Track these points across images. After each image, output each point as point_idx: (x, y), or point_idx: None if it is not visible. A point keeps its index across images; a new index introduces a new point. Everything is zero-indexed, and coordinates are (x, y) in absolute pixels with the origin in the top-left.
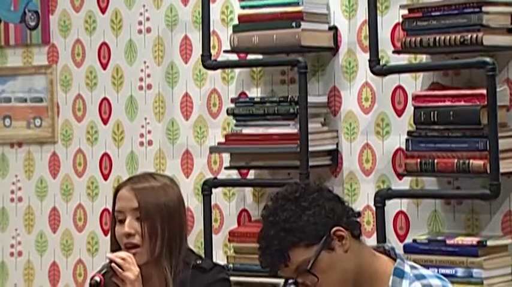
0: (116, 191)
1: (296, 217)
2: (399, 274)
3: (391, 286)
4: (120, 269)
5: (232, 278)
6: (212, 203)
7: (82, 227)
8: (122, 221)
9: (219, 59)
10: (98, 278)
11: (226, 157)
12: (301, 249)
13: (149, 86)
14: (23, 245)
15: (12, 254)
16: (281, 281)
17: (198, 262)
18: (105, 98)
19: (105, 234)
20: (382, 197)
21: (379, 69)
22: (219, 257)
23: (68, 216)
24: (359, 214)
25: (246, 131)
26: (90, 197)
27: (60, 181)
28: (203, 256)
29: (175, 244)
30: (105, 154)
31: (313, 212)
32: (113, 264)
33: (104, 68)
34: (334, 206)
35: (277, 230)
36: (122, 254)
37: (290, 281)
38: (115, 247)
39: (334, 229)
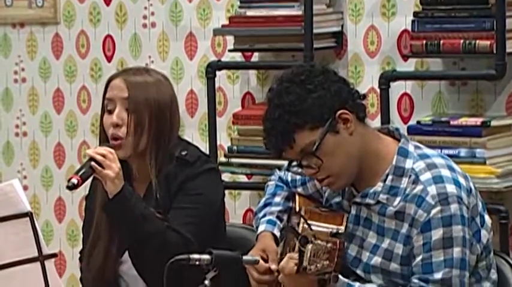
0: (109, 81)
1: (301, 99)
2: (403, 153)
3: (395, 164)
4: (99, 168)
5: (236, 160)
6: (216, 85)
7: (86, 109)
8: (111, 111)
9: None
10: (75, 180)
11: (230, 39)
12: (306, 132)
13: None
14: (28, 126)
15: (17, 134)
16: (285, 163)
17: (182, 153)
18: None
19: None
20: (386, 79)
21: None
22: (223, 139)
23: (71, 97)
24: (364, 96)
25: (250, 13)
26: (93, 79)
27: (64, 62)
28: (206, 138)
29: (162, 141)
30: (108, 36)
31: (318, 95)
32: (92, 163)
33: None
34: (339, 89)
35: (282, 113)
36: (103, 150)
37: (294, 163)
38: (103, 136)
39: (340, 111)
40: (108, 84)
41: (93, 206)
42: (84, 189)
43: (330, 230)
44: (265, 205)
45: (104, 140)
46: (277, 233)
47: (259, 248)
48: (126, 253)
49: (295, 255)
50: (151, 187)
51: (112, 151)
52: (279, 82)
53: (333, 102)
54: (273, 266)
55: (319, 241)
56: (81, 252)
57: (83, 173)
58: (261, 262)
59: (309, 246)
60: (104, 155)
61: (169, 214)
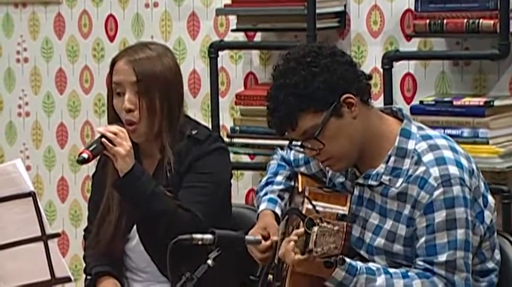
0: (113, 63)
1: (306, 82)
2: (406, 134)
3: (397, 146)
4: (110, 145)
5: (238, 141)
6: (219, 66)
7: (89, 89)
8: (121, 94)
9: None
10: (85, 155)
11: (232, 19)
12: (310, 115)
13: None
14: (30, 106)
15: (19, 114)
16: (288, 143)
17: (193, 132)
18: None
19: None
20: (389, 59)
21: None
22: (226, 119)
23: (74, 78)
24: (370, 77)
25: None
26: (96, 59)
27: (66, 42)
28: (208, 118)
29: (174, 116)
30: (111, 15)
31: (324, 79)
32: (103, 139)
33: None
34: (345, 72)
35: (287, 95)
36: (114, 128)
37: (295, 143)
38: (113, 118)
39: (344, 96)
40: (112, 67)
41: (100, 183)
42: (88, 169)
43: (336, 211)
44: (267, 184)
45: (113, 120)
46: (279, 212)
47: (260, 227)
48: (134, 229)
49: (292, 242)
50: (160, 165)
51: (123, 129)
52: (285, 61)
53: (338, 86)
54: (274, 238)
55: (325, 224)
56: (85, 229)
57: (94, 148)
58: (262, 241)
59: (315, 228)
60: (115, 133)
61: (179, 192)
